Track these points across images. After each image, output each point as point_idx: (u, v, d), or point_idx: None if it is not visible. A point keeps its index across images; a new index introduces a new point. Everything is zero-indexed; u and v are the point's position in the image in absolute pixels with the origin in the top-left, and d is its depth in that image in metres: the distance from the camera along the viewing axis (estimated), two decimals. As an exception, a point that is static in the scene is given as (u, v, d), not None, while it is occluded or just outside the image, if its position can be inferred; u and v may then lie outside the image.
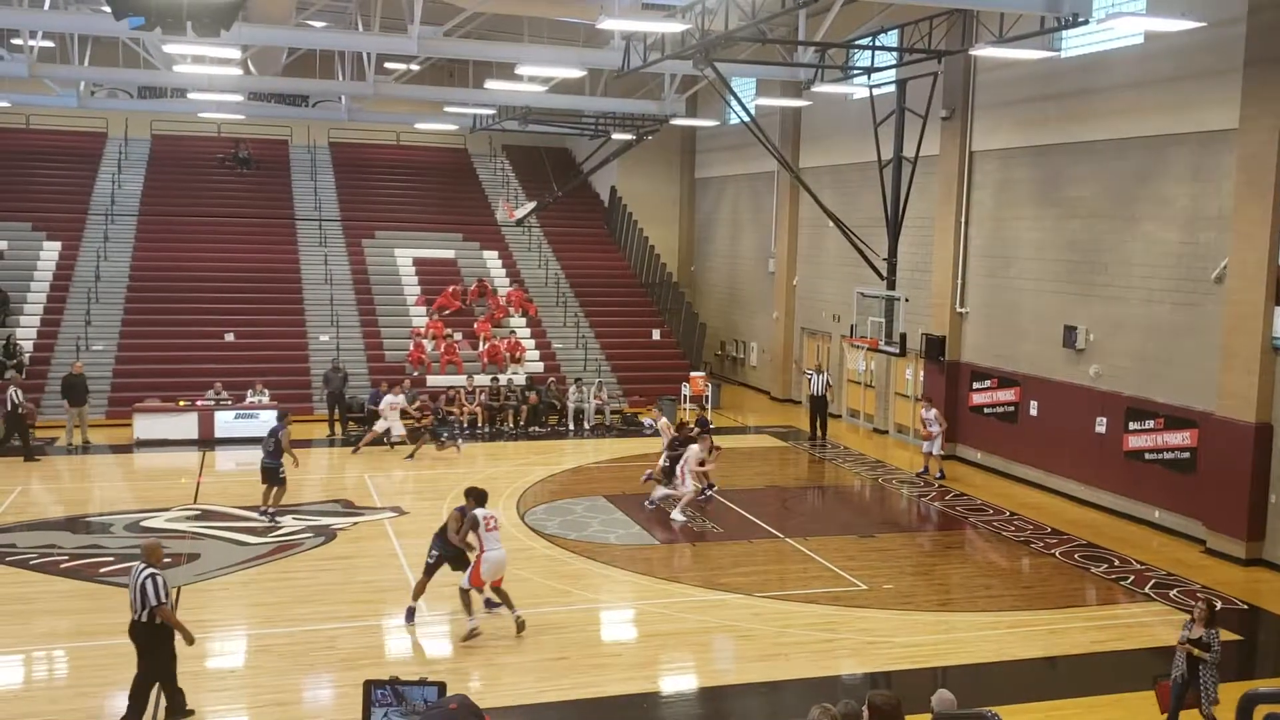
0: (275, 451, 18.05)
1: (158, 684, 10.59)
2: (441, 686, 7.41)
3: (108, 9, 12.02)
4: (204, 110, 31.43)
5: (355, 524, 18.07)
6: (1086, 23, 16.00)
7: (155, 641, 10.45)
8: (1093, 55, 20.06)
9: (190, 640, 10.59)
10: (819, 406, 25.99)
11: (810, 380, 26.32)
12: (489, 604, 13.78)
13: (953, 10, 18.38)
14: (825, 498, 21.37)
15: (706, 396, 28.57)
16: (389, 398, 24.26)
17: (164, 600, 10.32)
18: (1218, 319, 17.34)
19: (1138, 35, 18.79)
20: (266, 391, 25.82)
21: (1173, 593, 15.28)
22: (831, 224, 23.28)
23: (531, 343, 30.80)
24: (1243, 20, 16.61)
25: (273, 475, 18.11)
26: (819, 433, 25.94)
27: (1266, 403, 16.53)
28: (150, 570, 10.38)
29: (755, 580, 15.53)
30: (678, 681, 12.38)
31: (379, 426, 24.01)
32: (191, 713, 10.76)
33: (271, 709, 11.07)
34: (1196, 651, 10.28)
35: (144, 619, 10.35)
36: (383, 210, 35.75)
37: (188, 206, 34.00)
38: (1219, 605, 11.02)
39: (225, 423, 24.71)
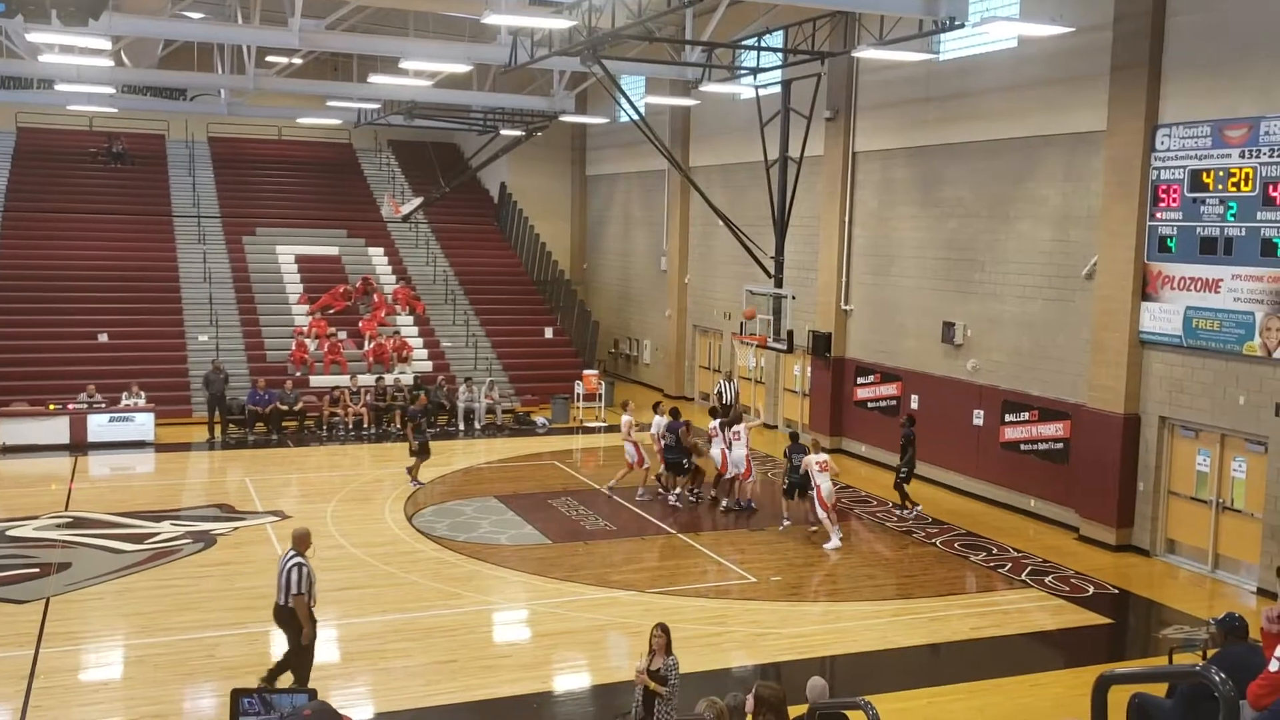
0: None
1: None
2: (312, 693, 7.16)
3: (-36, -6, 11.45)
4: (73, 103, 30.23)
5: (236, 529, 17.59)
6: (963, 26, 16.46)
7: (292, 624, 11.03)
8: (969, 58, 20.62)
9: (310, 637, 10.99)
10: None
11: (721, 389, 25.57)
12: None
13: (835, 12, 18.71)
14: (716, 493, 21.50)
15: (600, 394, 28.56)
16: None
17: (304, 591, 10.86)
18: (1088, 315, 18.00)
19: (1011, 40, 19.38)
20: (143, 394, 24.96)
21: (1048, 579, 15.81)
22: (721, 223, 23.48)
23: (420, 341, 30.38)
24: (1109, 27, 17.26)
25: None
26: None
27: (1134, 395, 17.22)
28: (300, 560, 10.96)
29: (646, 577, 15.59)
30: (569, 680, 12.34)
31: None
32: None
33: (148, 722, 10.71)
34: (653, 685, 9.26)
35: (286, 603, 10.95)
36: (264, 206, 34.87)
37: (57, 202, 32.64)
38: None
39: (99, 426, 23.83)
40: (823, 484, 17.26)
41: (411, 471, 20.71)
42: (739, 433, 19.42)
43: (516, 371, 30.32)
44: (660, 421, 20.13)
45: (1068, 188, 18.55)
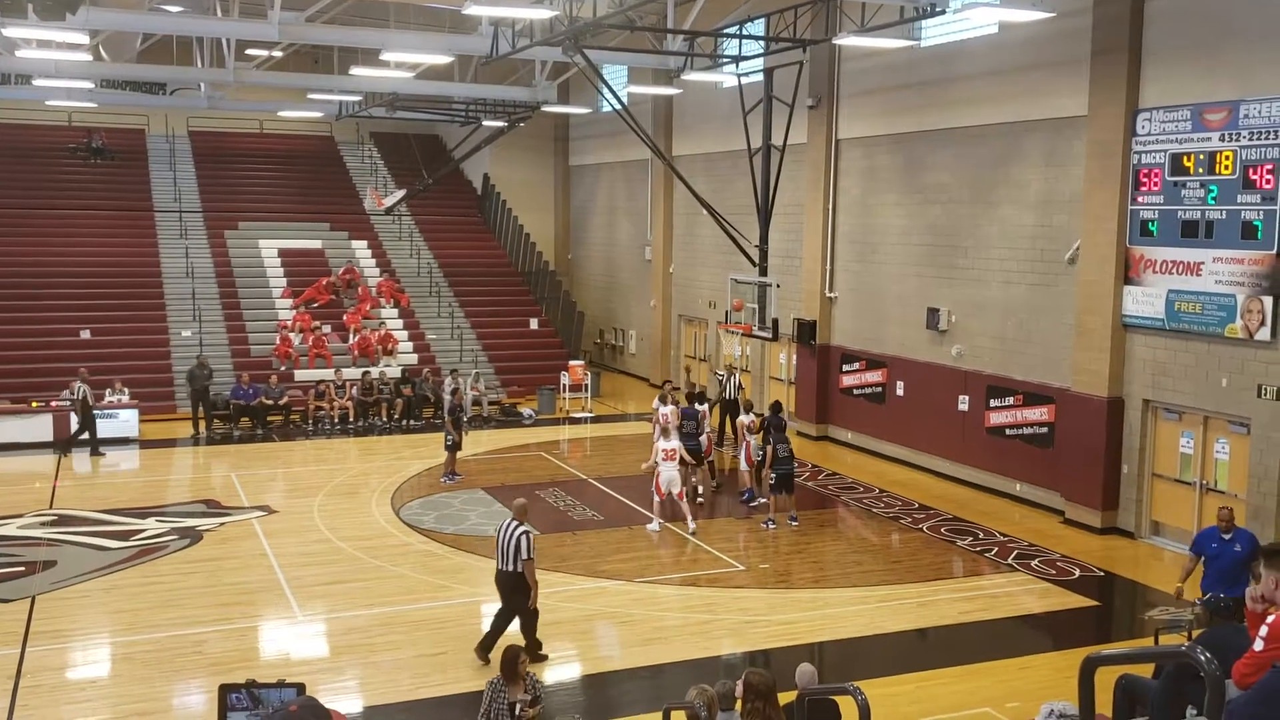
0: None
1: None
2: (300, 687, 7.07)
3: (-62, -11, 11.35)
4: (52, 98, 30.01)
5: (222, 524, 17.53)
6: (943, 12, 16.48)
7: (517, 588, 11.84)
8: (950, 44, 20.63)
9: (535, 599, 11.92)
10: (730, 410, 23.04)
11: (722, 382, 24.14)
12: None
13: (816, -1, 18.68)
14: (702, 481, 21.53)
15: (586, 385, 28.54)
16: None
17: (533, 556, 11.78)
18: (1071, 299, 18.06)
19: (992, 25, 19.39)
20: (126, 390, 24.83)
21: (1034, 562, 15.89)
22: (705, 212, 23.47)
23: (404, 334, 30.31)
24: (1089, 11, 17.30)
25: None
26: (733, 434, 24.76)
27: (1118, 378, 17.30)
28: (525, 528, 11.82)
29: (635, 566, 15.61)
30: (559, 671, 12.33)
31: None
32: (545, 657, 12.05)
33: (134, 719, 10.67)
34: (532, 713, 8.61)
35: (511, 569, 11.76)
36: (246, 200, 34.68)
37: (37, 199, 32.40)
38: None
39: (82, 424, 23.67)
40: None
41: (447, 466, 20.55)
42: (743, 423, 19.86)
43: (502, 363, 30.28)
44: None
45: (1050, 173, 18.60)
